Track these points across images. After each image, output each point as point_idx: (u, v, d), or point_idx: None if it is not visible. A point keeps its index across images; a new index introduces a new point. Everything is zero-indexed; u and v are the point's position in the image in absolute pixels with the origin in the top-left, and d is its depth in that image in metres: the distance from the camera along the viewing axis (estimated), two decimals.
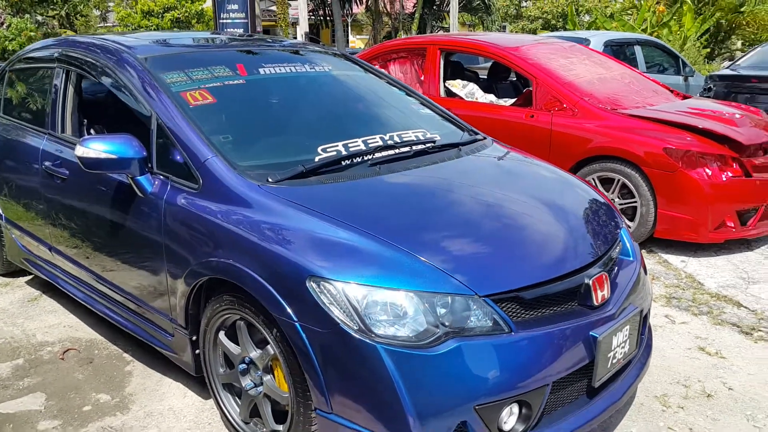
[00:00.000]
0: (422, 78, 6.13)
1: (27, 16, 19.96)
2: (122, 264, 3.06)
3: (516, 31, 34.57)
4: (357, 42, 34.06)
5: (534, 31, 31.42)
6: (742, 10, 17.62)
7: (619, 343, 2.43)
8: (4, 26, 18.95)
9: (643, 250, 4.89)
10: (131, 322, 3.16)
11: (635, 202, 4.84)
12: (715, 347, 3.50)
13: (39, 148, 3.56)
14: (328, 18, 24.65)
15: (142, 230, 2.83)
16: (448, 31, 21.68)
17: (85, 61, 3.42)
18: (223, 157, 2.64)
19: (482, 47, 5.93)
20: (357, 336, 2.06)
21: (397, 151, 2.95)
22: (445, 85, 6.09)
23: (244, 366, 2.56)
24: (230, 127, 2.98)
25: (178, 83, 3.00)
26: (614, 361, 2.43)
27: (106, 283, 3.23)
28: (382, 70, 4.44)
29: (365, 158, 2.83)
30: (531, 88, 5.46)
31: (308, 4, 20.85)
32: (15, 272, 4.51)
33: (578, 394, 2.39)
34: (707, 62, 15.43)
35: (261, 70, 3.32)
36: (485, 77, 7.04)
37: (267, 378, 2.47)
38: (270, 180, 2.56)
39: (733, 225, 4.73)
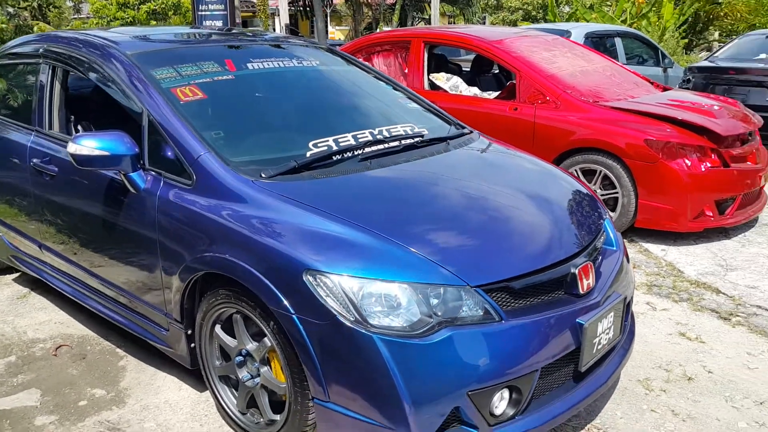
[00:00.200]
0: (406, 71, 6.18)
1: None
2: (115, 260, 3.09)
3: (496, 23, 34.67)
4: (337, 33, 33.97)
5: (514, 22, 31.54)
6: (719, 1, 17.83)
7: (603, 330, 2.52)
8: None
9: (625, 240, 4.98)
10: (125, 317, 3.20)
11: (617, 192, 4.94)
12: (695, 332, 3.60)
13: (26, 145, 3.56)
14: (307, 8, 24.55)
15: (136, 226, 2.86)
16: (429, 22, 21.72)
17: (72, 57, 3.42)
18: (216, 153, 2.68)
19: (466, 40, 5.98)
20: (353, 327, 2.12)
21: (386, 145, 3.01)
22: (429, 78, 6.14)
23: (240, 358, 2.61)
24: (221, 123, 3.01)
25: (168, 79, 3.03)
26: (599, 346, 2.52)
27: (99, 280, 3.25)
28: (368, 64, 4.49)
29: (355, 153, 2.88)
30: (515, 81, 5.53)
31: None
32: (2, 270, 4.50)
33: (565, 379, 2.47)
34: (686, 53, 15.61)
35: (249, 66, 3.35)
36: (468, 69, 7.10)
37: (264, 369, 2.52)
38: (263, 175, 2.60)
39: (711, 214, 4.85)
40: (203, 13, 11.15)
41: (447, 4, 27.03)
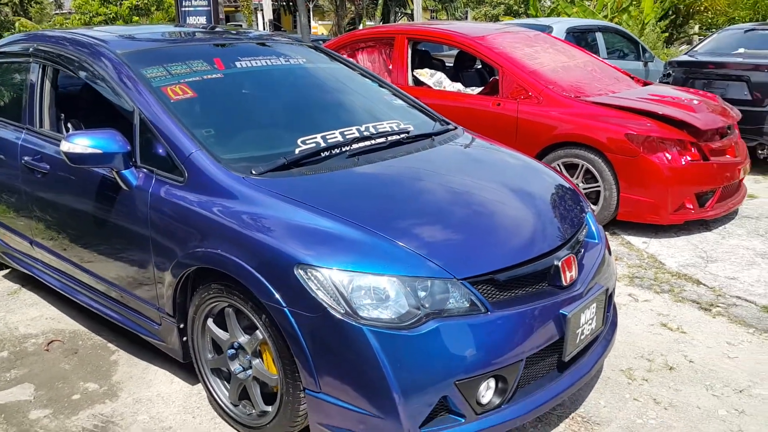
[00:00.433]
0: (390, 67, 6.23)
1: None
2: (107, 256, 3.13)
3: (478, 17, 34.76)
4: (320, 28, 33.88)
5: (496, 17, 31.62)
6: None
7: (586, 320, 2.59)
8: None
9: (607, 233, 5.07)
10: (117, 312, 3.24)
11: (599, 186, 5.03)
12: (677, 323, 3.70)
13: (17, 143, 3.58)
14: (290, 3, 24.50)
15: (128, 223, 2.90)
16: (412, 17, 21.74)
17: (62, 56, 3.45)
18: (207, 151, 2.72)
19: (450, 36, 6.04)
20: (344, 319, 2.18)
21: (373, 142, 3.07)
22: (413, 74, 6.19)
23: (232, 351, 2.67)
24: (211, 121, 3.06)
25: (158, 78, 3.07)
26: (582, 337, 2.60)
27: (91, 275, 3.29)
28: (353, 61, 4.53)
29: (343, 149, 2.94)
30: (497, 77, 5.60)
31: None
32: None
33: (550, 369, 2.55)
34: (666, 47, 15.76)
35: (238, 64, 3.39)
36: (451, 65, 7.16)
37: (256, 362, 2.58)
38: (254, 172, 2.65)
39: (692, 207, 4.95)
40: (186, 8, 11.13)
41: None
